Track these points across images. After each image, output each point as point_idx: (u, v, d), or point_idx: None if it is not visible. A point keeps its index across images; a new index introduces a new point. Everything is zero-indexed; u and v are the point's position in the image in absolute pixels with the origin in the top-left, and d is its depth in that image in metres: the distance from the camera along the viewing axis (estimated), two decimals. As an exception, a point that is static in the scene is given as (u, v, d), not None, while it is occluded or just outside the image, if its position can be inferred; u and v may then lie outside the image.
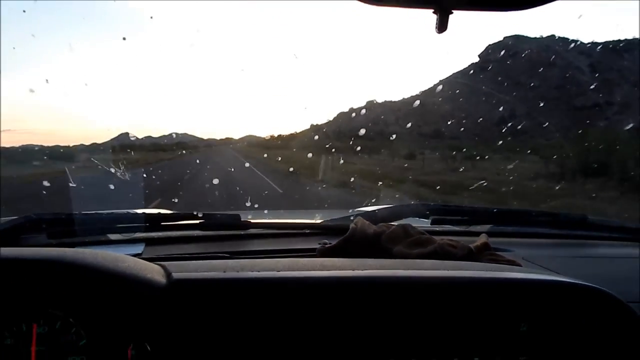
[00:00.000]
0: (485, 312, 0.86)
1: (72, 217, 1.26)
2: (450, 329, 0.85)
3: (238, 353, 0.80)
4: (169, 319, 0.79)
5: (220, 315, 0.80)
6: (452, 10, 0.60)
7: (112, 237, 1.32)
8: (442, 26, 0.61)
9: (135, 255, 1.01)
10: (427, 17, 0.61)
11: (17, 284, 0.76)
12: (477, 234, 1.31)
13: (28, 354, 0.75)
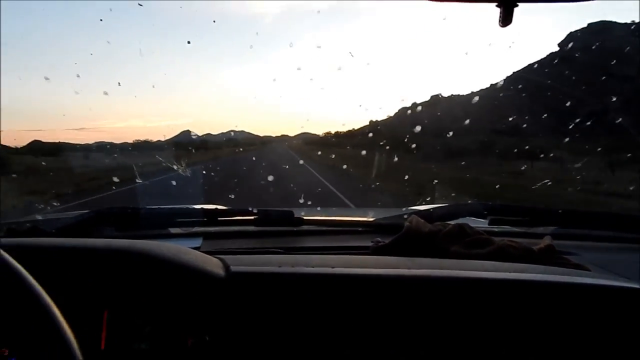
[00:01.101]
0: (550, 318, 0.81)
1: (137, 211, 1.33)
2: (512, 333, 0.81)
3: (292, 346, 0.81)
4: (227, 310, 0.81)
5: (275, 308, 0.81)
6: (517, 3, 0.57)
7: (173, 230, 1.38)
8: (506, 19, 0.58)
9: (194, 249, 1.05)
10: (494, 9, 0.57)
11: (90, 272, 0.81)
12: (539, 235, 1.24)
13: (99, 339, 0.80)
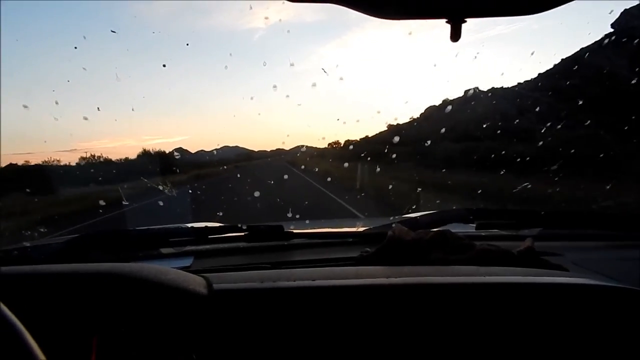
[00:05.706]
0: (527, 318, 0.83)
1: (127, 233, 1.33)
2: (490, 335, 0.83)
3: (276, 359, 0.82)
4: (212, 328, 0.82)
5: (258, 323, 0.83)
6: (465, 19, 0.61)
7: (164, 251, 1.38)
8: (455, 35, 0.62)
9: (183, 268, 1.05)
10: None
11: (74, 298, 0.81)
12: (525, 238, 1.26)
13: None
